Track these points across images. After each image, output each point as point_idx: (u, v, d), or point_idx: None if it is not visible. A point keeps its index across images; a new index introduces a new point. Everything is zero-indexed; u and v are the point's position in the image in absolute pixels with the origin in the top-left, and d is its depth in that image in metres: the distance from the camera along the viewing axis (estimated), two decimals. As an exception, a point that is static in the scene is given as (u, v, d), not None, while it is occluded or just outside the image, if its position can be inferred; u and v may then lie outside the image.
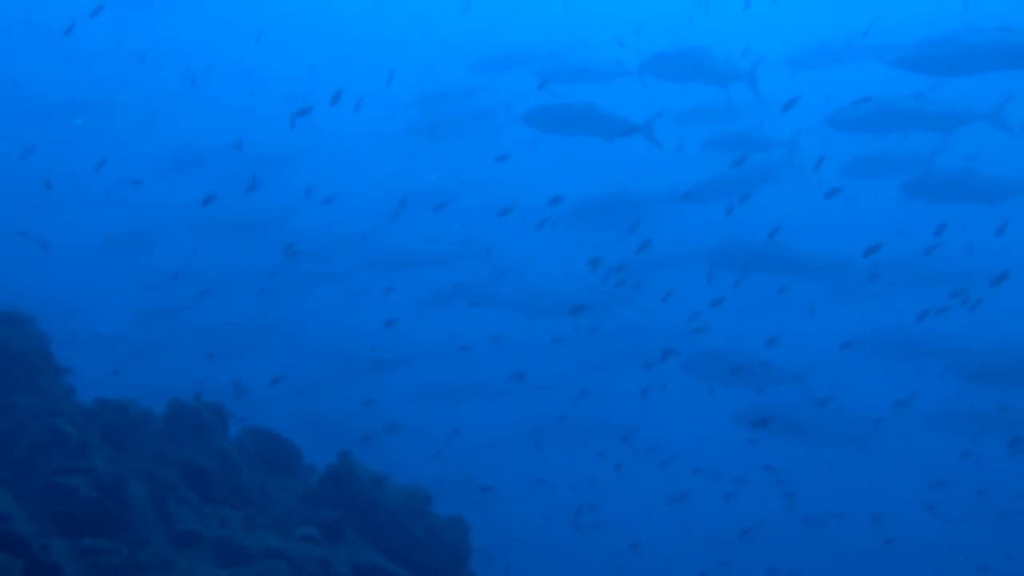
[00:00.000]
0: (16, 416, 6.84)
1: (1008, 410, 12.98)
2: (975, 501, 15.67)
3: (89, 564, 5.84)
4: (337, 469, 7.18)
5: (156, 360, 16.51)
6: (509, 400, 16.48)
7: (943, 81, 11.36)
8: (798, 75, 17.61)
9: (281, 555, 6.41)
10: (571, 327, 14.57)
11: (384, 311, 13.65)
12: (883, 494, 17.21)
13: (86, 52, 21.20)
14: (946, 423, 14.16)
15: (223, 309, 17.58)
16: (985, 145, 12.88)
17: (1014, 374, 12.12)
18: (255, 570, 6.34)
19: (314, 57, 26.14)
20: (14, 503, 6.21)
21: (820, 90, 15.49)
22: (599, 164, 18.20)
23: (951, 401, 14.20)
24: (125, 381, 12.27)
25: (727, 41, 16.76)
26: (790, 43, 18.48)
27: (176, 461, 7.07)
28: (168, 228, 18.39)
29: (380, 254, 15.79)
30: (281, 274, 16.09)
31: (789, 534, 16.84)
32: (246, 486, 7.09)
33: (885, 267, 12.87)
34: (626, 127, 11.62)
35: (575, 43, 18.96)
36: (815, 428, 12.63)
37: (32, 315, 7.59)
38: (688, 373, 12.70)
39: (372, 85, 16.65)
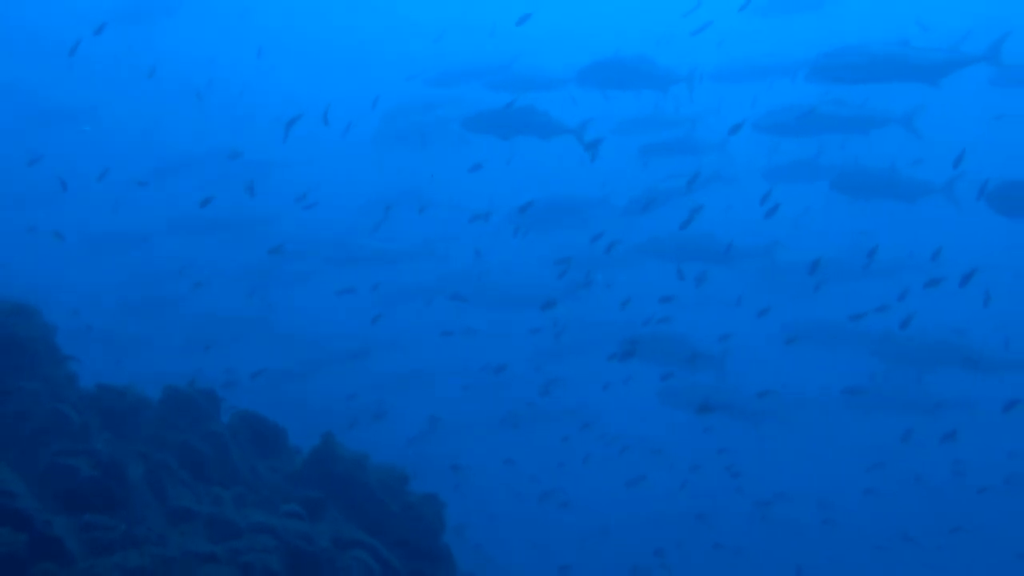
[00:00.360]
0: (22, 401, 7.30)
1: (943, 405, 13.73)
2: (911, 483, 16.55)
3: (88, 539, 6.32)
4: (321, 450, 7.68)
5: (147, 351, 17.23)
6: (484, 388, 17.22)
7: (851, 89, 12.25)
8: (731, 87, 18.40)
9: (267, 530, 6.90)
10: (541, 320, 15.16)
11: (367, 306, 14.38)
12: (826, 476, 17.98)
13: (89, 58, 21.80)
14: (879, 406, 14.84)
15: (212, 302, 18.31)
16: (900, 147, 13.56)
17: (930, 356, 12.80)
18: (243, 544, 6.82)
19: (302, 70, 27.42)
20: (19, 482, 6.68)
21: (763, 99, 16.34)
22: (544, 169, 18.99)
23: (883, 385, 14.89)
24: (123, 369, 12.81)
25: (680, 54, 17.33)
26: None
27: (171, 443, 7.55)
28: (158, 227, 19.25)
29: (343, 252, 16.61)
30: (269, 271, 16.80)
31: (738, 514, 17.72)
32: (237, 467, 7.58)
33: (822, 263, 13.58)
34: (559, 129, 12.20)
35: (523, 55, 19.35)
36: (745, 408, 13.09)
37: (38, 307, 8.08)
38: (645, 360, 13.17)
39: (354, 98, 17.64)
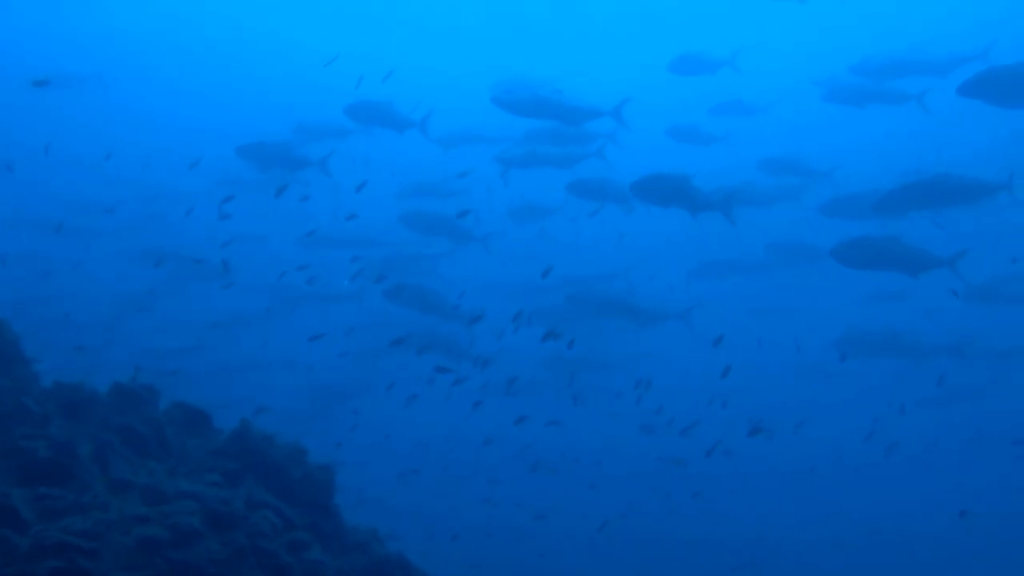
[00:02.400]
0: (-9, 396, 8.83)
1: None
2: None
3: (41, 508, 7.82)
4: (239, 431, 9.19)
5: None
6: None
7: None
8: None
9: (192, 496, 8.40)
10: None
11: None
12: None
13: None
14: None
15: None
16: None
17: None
18: (171, 508, 8.34)
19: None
20: (-14, 463, 8.22)
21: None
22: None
23: None
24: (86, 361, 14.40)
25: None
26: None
27: (116, 427, 9.06)
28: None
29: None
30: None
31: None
32: (170, 445, 9.10)
33: None
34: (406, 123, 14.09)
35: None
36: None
37: (7, 319, 9.60)
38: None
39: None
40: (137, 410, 9.25)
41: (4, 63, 27.89)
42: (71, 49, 32.51)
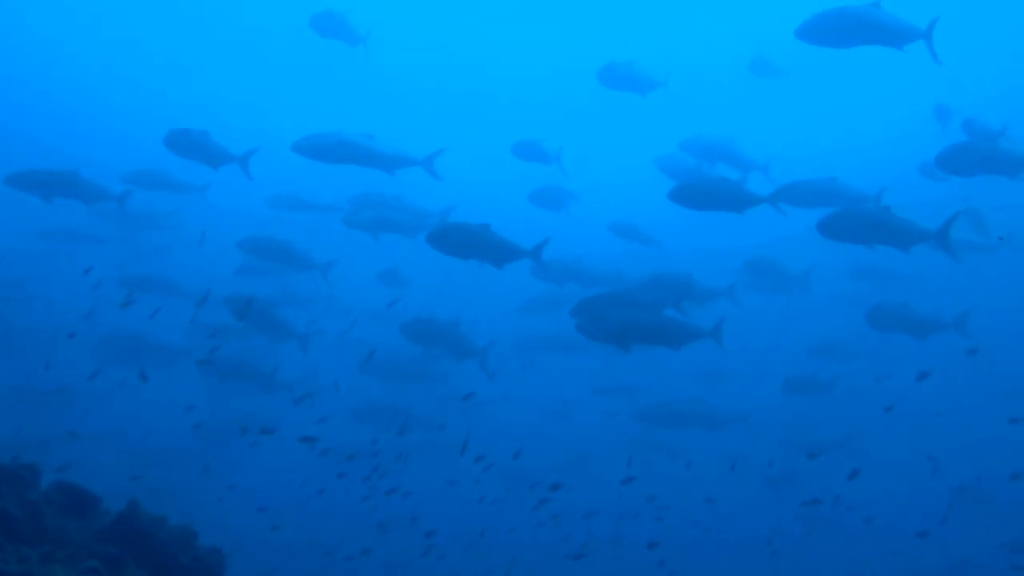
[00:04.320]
0: None
1: None
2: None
3: None
4: (125, 512, 8.56)
5: None
6: None
7: None
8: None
9: (66, 583, 7.73)
10: None
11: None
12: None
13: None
14: None
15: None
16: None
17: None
18: (44, 596, 7.65)
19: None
20: None
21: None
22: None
23: None
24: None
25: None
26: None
27: (-11, 510, 8.34)
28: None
29: None
30: None
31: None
32: (47, 528, 8.40)
33: None
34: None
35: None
36: None
37: None
38: None
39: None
40: (14, 490, 8.54)
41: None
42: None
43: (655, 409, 15.90)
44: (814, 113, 31.08)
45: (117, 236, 20.69)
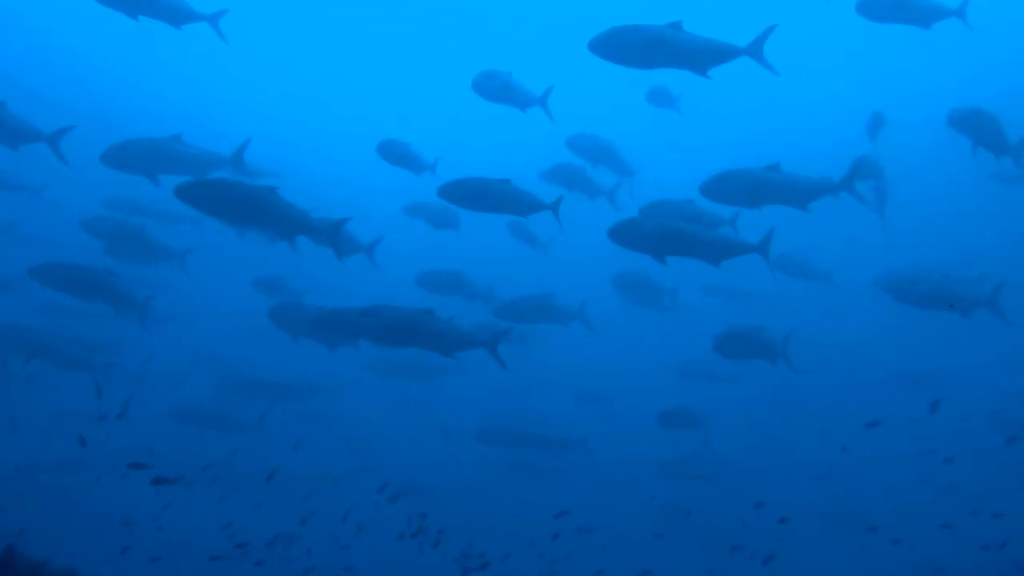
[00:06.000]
0: None
1: None
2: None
3: None
4: (2, 559, 7.85)
5: None
6: None
7: None
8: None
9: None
10: None
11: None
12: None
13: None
14: None
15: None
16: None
17: None
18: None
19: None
20: None
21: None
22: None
23: None
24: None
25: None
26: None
27: None
28: None
29: None
30: None
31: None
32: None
33: None
34: None
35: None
36: None
37: None
38: None
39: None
40: None
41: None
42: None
43: (495, 433, 15.69)
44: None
45: None
